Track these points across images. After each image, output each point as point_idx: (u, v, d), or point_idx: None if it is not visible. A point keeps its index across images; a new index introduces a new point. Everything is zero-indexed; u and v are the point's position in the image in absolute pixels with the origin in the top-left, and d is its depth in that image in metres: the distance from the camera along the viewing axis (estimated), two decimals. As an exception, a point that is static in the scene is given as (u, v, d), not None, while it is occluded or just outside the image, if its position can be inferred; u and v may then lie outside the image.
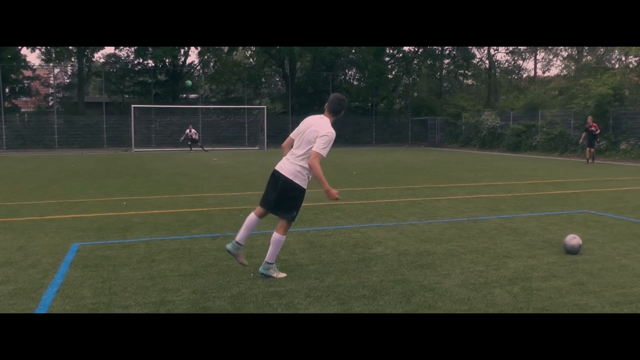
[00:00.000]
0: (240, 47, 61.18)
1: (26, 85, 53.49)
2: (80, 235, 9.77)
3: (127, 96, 58.75)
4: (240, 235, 7.31)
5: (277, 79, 68.63)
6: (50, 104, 54.48)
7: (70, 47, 53.32)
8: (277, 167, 7.17)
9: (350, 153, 40.11)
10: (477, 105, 54.23)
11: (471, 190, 16.50)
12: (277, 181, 7.10)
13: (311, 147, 6.88)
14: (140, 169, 24.86)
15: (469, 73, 67.62)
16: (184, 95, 60.96)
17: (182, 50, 58.75)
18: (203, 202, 14.13)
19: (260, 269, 7.18)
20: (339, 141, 54.31)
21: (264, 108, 50.81)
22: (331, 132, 6.92)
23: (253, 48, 60.22)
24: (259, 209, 7.35)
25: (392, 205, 13.53)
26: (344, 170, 23.93)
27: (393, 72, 64.89)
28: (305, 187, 7.07)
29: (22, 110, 53.58)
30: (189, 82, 46.27)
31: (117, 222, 11.10)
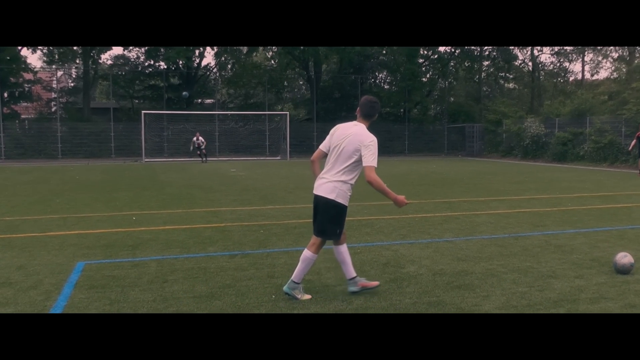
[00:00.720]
0: (261, 48, 61.27)
1: (27, 89, 53.59)
2: (86, 253, 9.83)
3: (137, 101, 59.14)
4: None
5: (301, 83, 68.74)
6: (53, 109, 54.81)
7: (74, 48, 53.71)
8: (314, 191, 7.25)
9: (380, 163, 39.68)
10: (520, 111, 53.86)
11: (513, 204, 16.44)
12: (318, 205, 7.21)
13: (353, 161, 6.97)
14: (152, 181, 25.03)
15: (511, 76, 67.36)
16: (199, 101, 61.09)
17: (197, 51, 58.83)
18: (220, 217, 14.18)
19: (285, 288, 7.20)
20: (368, 150, 54.17)
21: (286, 114, 50.99)
22: (374, 139, 6.97)
23: (274, 48, 60.31)
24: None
25: (427, 220, 13.51)
26: (375, 182, 23.79)
27: (427, 75, 64.75)
28: (346, 204, 7.11)
29: (22, 116, 53.87)
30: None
31: (126, 238, 11.17)
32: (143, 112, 47.19)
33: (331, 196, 6.99)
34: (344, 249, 7.28)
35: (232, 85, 61.30)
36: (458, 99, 66.02)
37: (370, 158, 6.84)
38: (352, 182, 7.12)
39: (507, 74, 66.79)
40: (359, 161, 6.96)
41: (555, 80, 66.64)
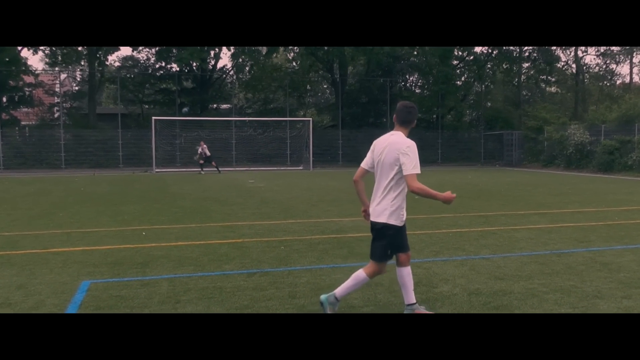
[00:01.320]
0: (281, 48, 61.44)
1: (27, 93, 53.94)
2: (92, 271, 9.86)
3: (146, 106, 59.56)
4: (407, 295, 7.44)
5: (325, 87, 68.96)
6: (56, 115, 55.33)
7: (79, 48, 54.04)
8: (370, 218, 7.39)
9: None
10: (562, 117, 53.70)
11: (555, 218, 16.34)
12: (372, 230, 7.40)
13: (395, 173, 7.00)
14: (163, 193, 25.14)
15: (553, 79, 67.18)
16: (214, 106, 61.24)
17: (212, 52, 59.25)
18: (237, 232, 14.18)
19: (322, 297, 7.28)
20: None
21: (309, 120, 51.26)
22: (412, 144, 6.98)
23: (296, 49, 60.50)
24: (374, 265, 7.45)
25: (461, 235, 13.45)
26: (406, 194, 23.82)
27: (462, 78, 64.83)
28: (400, 224, 7.18)
29: (23, 123, 54.34)
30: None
31: (135, 255, 11.20)
32: (153, 118, 47.36)
33: (385, 219, 7.10)
34: (406, 272, 7.33)
35: (250, 89, 61.52)
36: (495, 104, 65.91)
37: (410, 165, 6.84)
38: (402, 196, 7.14)
39: (549, 77, 66.60)
40: (401, 171, 6.97)
41: (601, 84, 66.45)
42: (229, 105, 61.78)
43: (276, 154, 54.10)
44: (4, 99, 50.83)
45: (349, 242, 12.54)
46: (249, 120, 56.21)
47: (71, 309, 7.61)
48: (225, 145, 52.34)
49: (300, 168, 48.77)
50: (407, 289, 7.32)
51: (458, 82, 63.14)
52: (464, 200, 21.33)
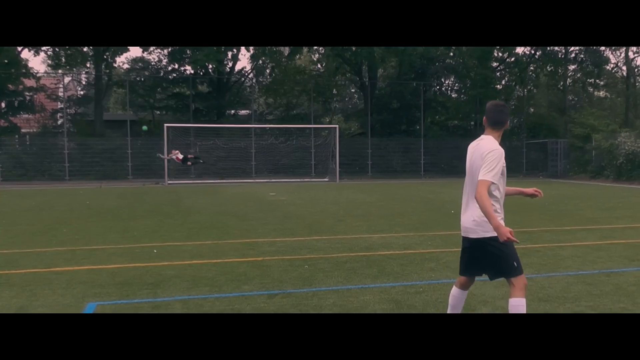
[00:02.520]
0: (305, 49, 61.59)
1: (28, 98, 54.08)
2: (98, 292, 9.91)
3: (158, 112, 59.83)
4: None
5: (353, 91, 69.11)
6: (59, 122, 55.44)
7: (84, 49, 54.18)
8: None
9: (447, 186, 39.85)
10: (612, 124, 53.37)
11: (604, 235, 16.27)
12: (467, 246, 7.24)
13: None
14: (176, 207, 25.23)
15: (602, 83, 66.98)
16: (232, 112, 61.36)
17: (229, 53, 59.35)
18: (257, 249, 14.22)
19: None
20: (433, 170, 54.21)
21: (335, 128, 51.15)
22: (495, 149, 6.74)
23: (321, 50, 60.59)
24: (460, 277, 7.44)
25: (504, 254, 13.38)
26: (439, 208, 24.00)
27: (503, 82, 64.84)
28: (490, 234, 6.88)
29: (23, 130, 54.53)
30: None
31: (145, 275, 11.25)
32: (166, 125, 47.36)
33: (476, 235, 6.98)
34: (518, 302, 7.02)
35: (272, 94, 61.84)
36: (539, 110, 65.79)
37: (484, 171, 6.65)
38: (496, 204, 6.89)
39: (597, 81, 66.38)
40: None
41: (654, 88, 66.14)
42: (248, 112, 61.83)
43: (299, 164, 54.02)
44: (3, 105, 51.06)
45: (379, 261, 12.55)
46: (269, 127, 56.34)
47: (76, 333, 7.65)
48: (244, 154, 52.45)
49: (326, 180, 48.75)
50: (457, 310, 7.42)
51: (498, 86, 63.23)
52: (504, 215, 21.26)
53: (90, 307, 8.89)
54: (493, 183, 6.66)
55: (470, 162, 7.01)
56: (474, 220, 6.94)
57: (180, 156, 41.55)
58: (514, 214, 21.53)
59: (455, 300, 7.41)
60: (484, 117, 7.16)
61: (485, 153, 6.71)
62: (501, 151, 6.75)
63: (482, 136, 7.07)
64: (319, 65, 64.75)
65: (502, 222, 6.64)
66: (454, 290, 7.42)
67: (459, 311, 7.39)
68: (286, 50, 58.75)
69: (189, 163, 42.63)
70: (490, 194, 6.72)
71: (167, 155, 42.42)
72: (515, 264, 7.02)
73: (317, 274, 11.30)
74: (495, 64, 63.11)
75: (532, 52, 62.47)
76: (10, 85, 51.38)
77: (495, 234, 6.61)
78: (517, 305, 6.92)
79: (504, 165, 6.83)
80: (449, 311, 7.42)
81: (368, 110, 58.21)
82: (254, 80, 62.01)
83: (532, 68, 63.95)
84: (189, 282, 10.59)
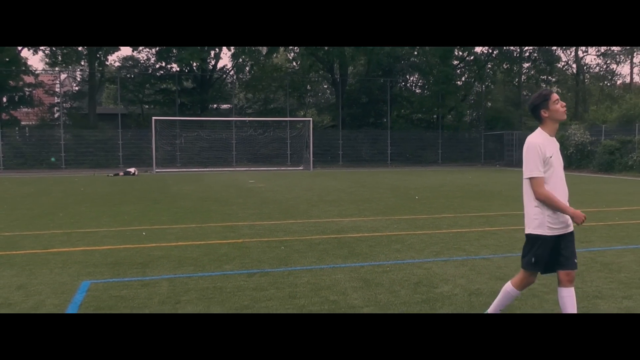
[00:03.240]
0: (282, 48, 61.53)
1: (27, 94, 53.99)
2: (92, 271, 9.85)
3: (147, 107, 59.58)
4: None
5: (325, 87, 69.02)
6: (56, 115, 55.40)
7: (79, 48, 54.05)
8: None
9: (412, 174, 39.96)
10: (563, 117, 53.56)
11: (559, 219, 16.28)
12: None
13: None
14: (163, 193, 25.15)
15: (553, 79, 67.30)
16: (214, 106, 61.28)
17: (212, 52, 59.44)
18: (237, 232, 14.18)
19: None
20: (398, 160, 54.35)
21: (309, 120, 51.41)
22: (530, 143, 6.20)
23: (296, 49, 60.54)
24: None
25: (462, 236, 13.44)
26: (404, 194, 23.96)
27: (463, 78, 65.11)
28: (534, 231, 6.35)
29: (23, 123, 54.37)
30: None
31: (135, 256, 11.20)
32: (154, 118, 47.49)
33: (526, 230, 6.45)
34: (566, 292, 6.48)
35: (251, 90, 61.78)
36: (496, 104, 66.05)
37: (525, 169, 6.23)
38: (536, 202, 6.33)
39: (550, 77, 66.74)
40: None
41: (601, 84, 66.55)
42: (229, 106, 61.79)
43: (276, 154, 54.30)
44: (4, 99, 50.85)
45: (349, 243, 12.53)
46: (249, 120, 56.34)
47: (71, 309, 7.61)
48: (225, 145, 52.69)
49: (301, 168, 48.81)
50: (498, 305, 6.86)
51: (458, 82, 63.51)
52: (464, 200, 21.33)
53: (84, 285, 8.85)
54: (537, 177, 6.16)
55: (557, 155, 6.36)
56: (527, 216, 6.45)
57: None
58: (473, 200, 21.66)
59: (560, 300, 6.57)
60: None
61: (524, 149, 6.26)
62: (533, 144, 6.19)
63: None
64: (294, 63, 64.66)
65: (572, 208, 6.40)
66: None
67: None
68: (264, 49, 58.67)
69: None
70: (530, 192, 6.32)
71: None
72: (531, 259, 6.46)
73: (292, 254, 11.29)
74: (455, 62, 63.42)
75: (490, 51, 62.76)
76: (11, 82, 51.34)
77: (531, 231, 6.36)
78: (509, 291, 6.77)
79: (542, 155, 6.19)
80: (567, 311, 6.48)
81: (339, 104, 58.42)
82: (234, 77, 61.83)
83: (489, 66, 64.28)
84: (175, 262, 10.55)
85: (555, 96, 6.21)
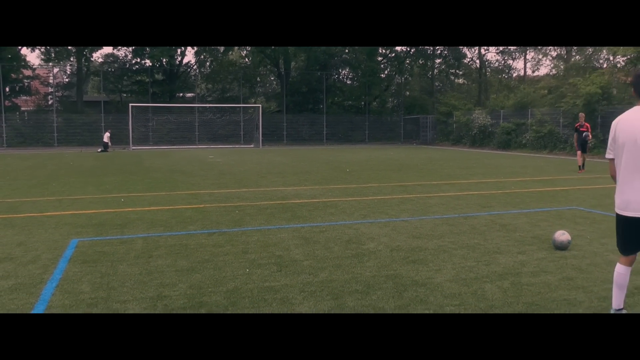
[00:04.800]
0: (236, 47, 61.14)
1: (26, 84, 53.48)
2: (79, 231, 9.74)
3: (125, 95, 58.73)
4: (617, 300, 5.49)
5: (272, 79, 68.56)
6: (50, 102, 54.39)
7: (69, 47, 53.19)
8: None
9: (343, 151, 40.07)
10: (468, 104, 54.27)
11: (462, 188, 16.50)
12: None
13: None
14: (138, 167, 24.82)
15: (460, 72, 67.73)
16: (181, 95, 60.87)
17: (178, 50, 58.71)
18: (199, 199, 14.10)
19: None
20: (332, 139, 54.34)
21: (259, 107, 51.21)
22: (614, 122, 5.28)
23: (248, 48, 60.15)
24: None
25: (385, 202, 13.51)
26: (337, 167, 24.02)
27: (386, 72, 65.15)
28: (615, 210, 5.30)
29: (22, 108, 53.63)
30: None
31: (115, 218, 11.08)
32: (130, 104, 46.76)
33: None
34: (624, 270, 5.40)
35: (211, 81, 61.40)
36: (413, 93, 66.24)
37: (608, 148, 5.36)
38: (619, 179, 5.23)
39: (457, 71, 67.04)
40: None
41: (500, 76, 67.03)
42: (193, 94, 61.10)
43: (232, 134, 53.95)
44: (7, 89, 50.05)
45: (292, 207, 12.54)
46: (209, 106, 55.81)
47: (62, 263, 7.56)
48: (189, 127, 52.52)
49: (252, 146, 48.43)
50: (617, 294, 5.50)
51: (382, 75, 63.70)
52: (387, 173, 21.42)
53: (73, 242, 8.74)
54: (610, 158, 5.33)
55: (634, 135, 5.01)
56: None
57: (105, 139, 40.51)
58: (394, 172, 21.79)
59: (624, 279, 5.39)
60: (632, 89, 5.18)
61: None
62: (614, 125, 5.27)
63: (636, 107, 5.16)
64: (247, 59, 64.30)
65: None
66: (623, 268, 5.40)
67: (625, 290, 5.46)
68: (222, 48, 58.45)
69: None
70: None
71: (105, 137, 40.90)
72: (618, 241, 5.50)
73: (245, 217, 11.26)
74: (380, 58, 63.37)
75: (408, 49, 62.78)
76: (12, 74, 50.91)
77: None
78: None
79: (615, 135, 5.24)
80: (619, 290, 5.43)
81: (284, 93, 58.21)
82: (197, 71, 61.30)
83: (408, 61, 64.39)
84: (148, 224, 10.46)
85: None
